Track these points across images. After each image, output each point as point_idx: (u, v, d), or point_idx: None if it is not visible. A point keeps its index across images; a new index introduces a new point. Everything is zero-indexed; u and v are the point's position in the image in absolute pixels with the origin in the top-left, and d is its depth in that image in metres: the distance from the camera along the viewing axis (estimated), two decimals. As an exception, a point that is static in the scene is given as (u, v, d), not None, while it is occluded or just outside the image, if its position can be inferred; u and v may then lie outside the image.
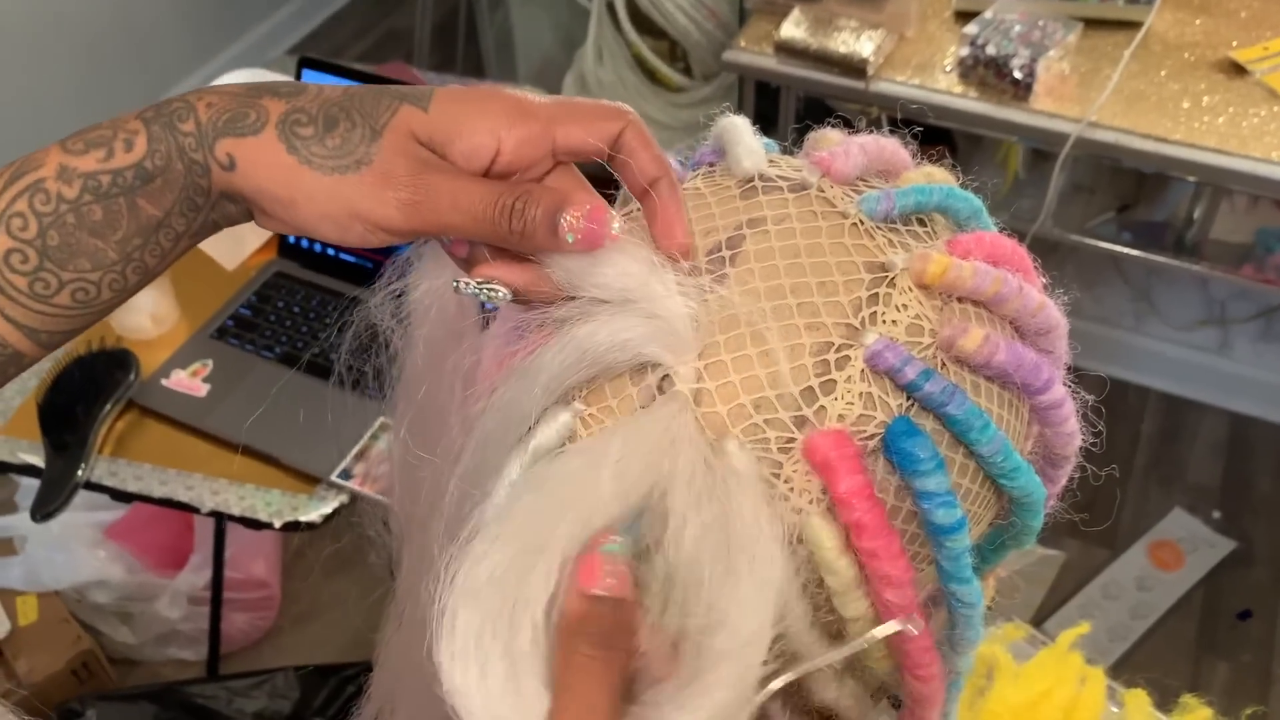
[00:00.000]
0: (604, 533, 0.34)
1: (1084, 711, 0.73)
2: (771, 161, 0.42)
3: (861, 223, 0.40)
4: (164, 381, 1.21)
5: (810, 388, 0.36)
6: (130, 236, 0.38)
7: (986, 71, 1.44)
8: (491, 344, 0.44)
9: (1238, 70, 1.44)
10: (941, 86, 1.47)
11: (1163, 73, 1.46)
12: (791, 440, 0.36)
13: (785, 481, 0.36)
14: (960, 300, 0.39)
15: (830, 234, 0.39)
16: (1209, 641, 1.84)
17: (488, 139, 0.38)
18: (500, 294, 0.39)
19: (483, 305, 0.45)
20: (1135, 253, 1.68)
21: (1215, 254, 1.71)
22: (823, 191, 0.41)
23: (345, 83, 0.45)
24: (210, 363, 1.23)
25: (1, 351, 0.38)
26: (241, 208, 0.40)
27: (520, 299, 0.39)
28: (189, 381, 1.22)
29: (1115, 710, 0.77)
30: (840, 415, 0.36)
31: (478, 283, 0.39)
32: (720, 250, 0.39)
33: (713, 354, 0.37)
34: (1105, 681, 0.74)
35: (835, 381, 0.36)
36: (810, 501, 0.36)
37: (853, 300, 0.38)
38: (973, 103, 1.45)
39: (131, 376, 1.20)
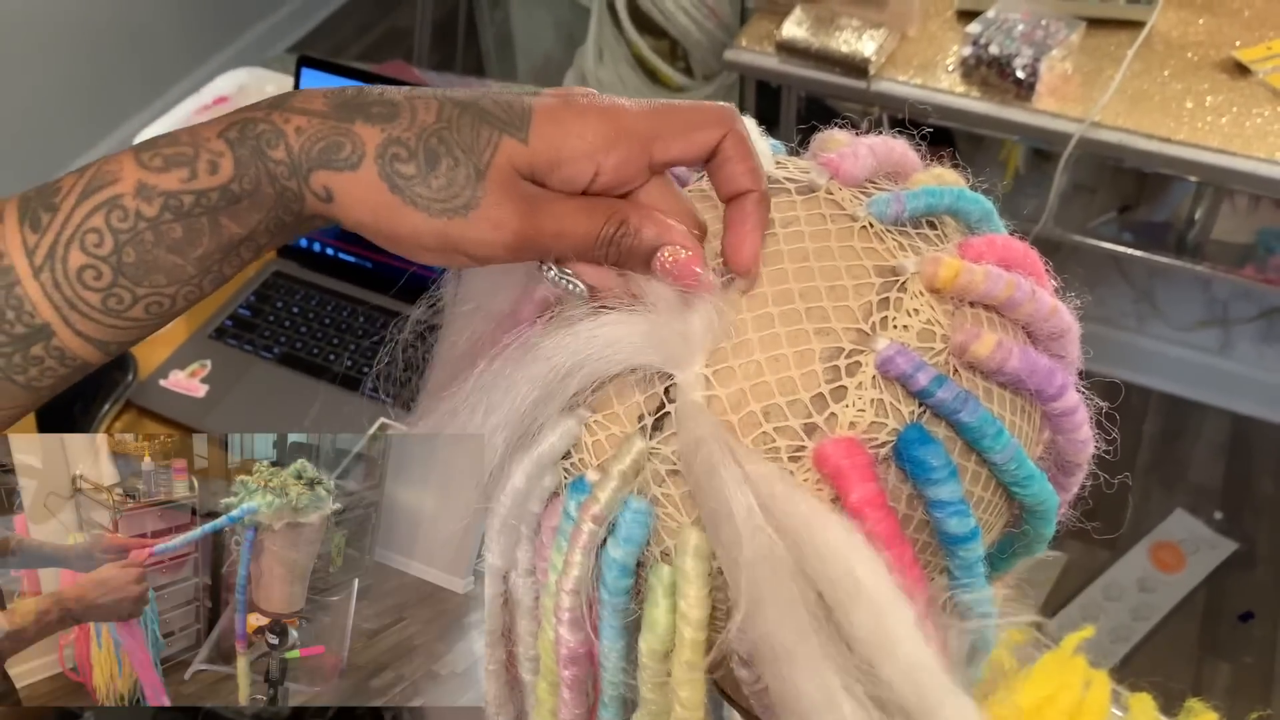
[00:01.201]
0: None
1: (1088, 716, 0.72)
2: (779, 163, 0.42)
3: (871, 225, 0.39)
4: (162, 382, 1.21)
5: (821, 394, 0.36)
6: (211, 253, 0.37)
7: (989, 71, 1.44)
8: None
9: (1241, 70, 1.44)
10: (944, 86, 1.47)
11: (1166, 72, 1.45)
12: (802, 448, 0.35)
13: None
14: (972, 305, 0.38)
15: (839, 237, 0.38)
16: (1211, 643, 1.84)
17: (587, 165, 0.38)
18: (579, 288, 0.39)
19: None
20: (1137, 253, 1.68)
21: (1217, 254, 1.71)
22: (831, 194, 0.40)
23: (345, 82, 0.44)
24: (209, 363, 1.22)
25: (70, 364, 0.38)
26: (327, 223, 0.40)
27: (595, 296, 0.40)
28: (187, 382, 1.21)
29: (1120, 714, 0.76)
30: (852, 422, 0.35)
31: (561, 271, 0.39)
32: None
33: (720, 360, 0.36)
34: (1110, 686, 0.73)
35: (846, 388, 0.36)
36: None
37: (863, 305, 0.37)
38: (975, 102, 1.44)
39: (129, 376, 1.19)
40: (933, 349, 0.37)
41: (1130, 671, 0.76)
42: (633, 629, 0.38)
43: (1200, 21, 1.52)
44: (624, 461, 0.36)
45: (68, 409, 1.17)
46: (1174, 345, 2.13)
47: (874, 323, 0.37)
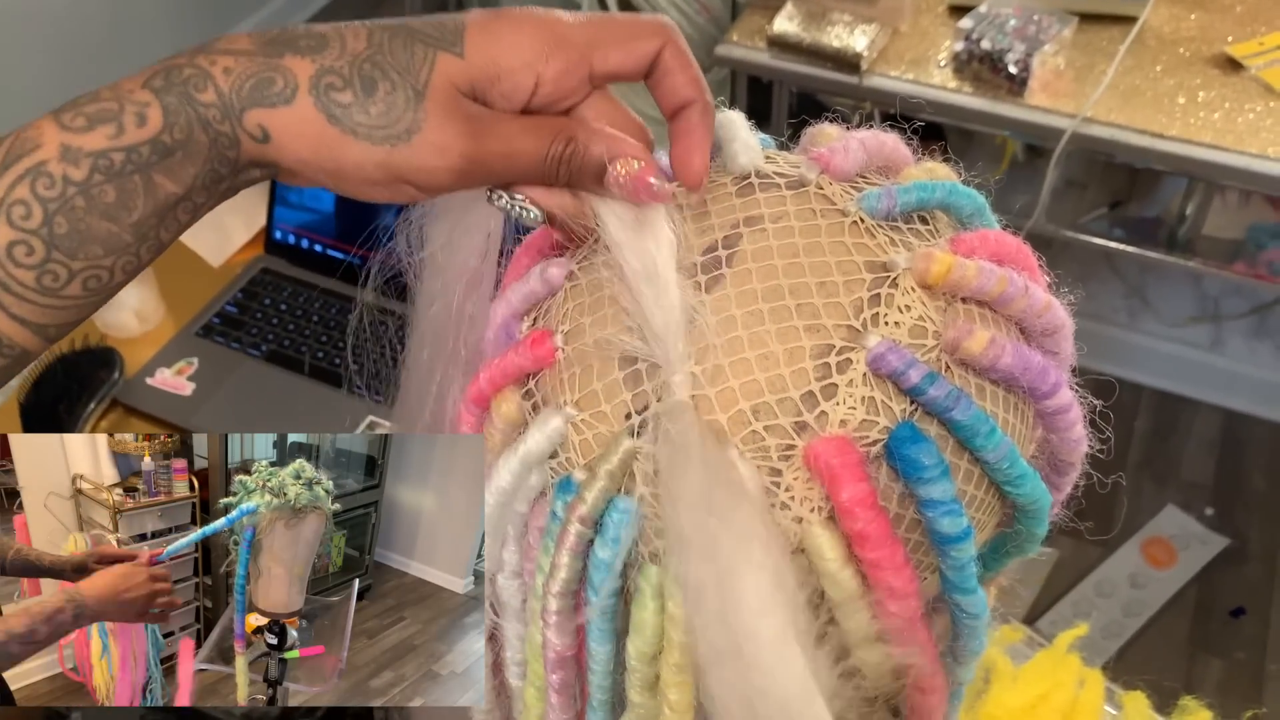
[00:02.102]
0: None
1: (1082, 714, 0.72)
2: (768, 158, 0.41)
3: (862, 221, 0.38)
4: (149, 380, 1.20)
5: (811, 392, 0.35)
6: (147, 216, 0.35)
7: (981, 66, 1.43)
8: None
9: (1233, 65, 1.44)
10: (936, 81, 1.46)
11: (1158, 68, 1.45)
12: (792, 447, 0.35)
13: (786, 490, 0.35)
14: (964, 301, 0.38)
15: (830, 232, 0.38)
16: (1202, 639, 1.84)
17: (527, 76, 0.37)
18: (533, 214, 0.39)
19: (516, 228, 0.45)
20: (1129, 248, 1.68)
21: (1207, 250, 1.71)
22: (822, 189, 0.39)
23: None
24: (195, 361, 1.21)
25: (8, 352, 0.36)
26: (269, 171, 0.38)
27: (553, 225, 0.39)
28: (174, 380, 1.20)
29: (1113, 713, 0.76)
30: (842, 421, 0.35)
31: (511, 196, 0.38)
32: (716, 250, 0.38)
33: (710, 358, 0.36)
34: (1104, 684, 0.73)
35: (837, 385, 0.35)
36: (811, 510, 0.35)
37: (854, 301, 0.36)
38: (967, 98, 1.44)
39: (115, 375, 1.18)
40: (925, 346, 0.36)
41: (1122, 668, 0.75)
42: (621, 631, 0.37)
43: (1192, 17, 1.52)
44: (611, 461, 0.36)
45: (53, 408, 1.16)
46: (1165, 341, 2.13)
47: (865, 319, 0.36)
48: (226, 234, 1.33)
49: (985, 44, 1.42)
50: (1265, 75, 1.41)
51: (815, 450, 0.34)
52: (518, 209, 0.38)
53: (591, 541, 0.36)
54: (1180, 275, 2.03)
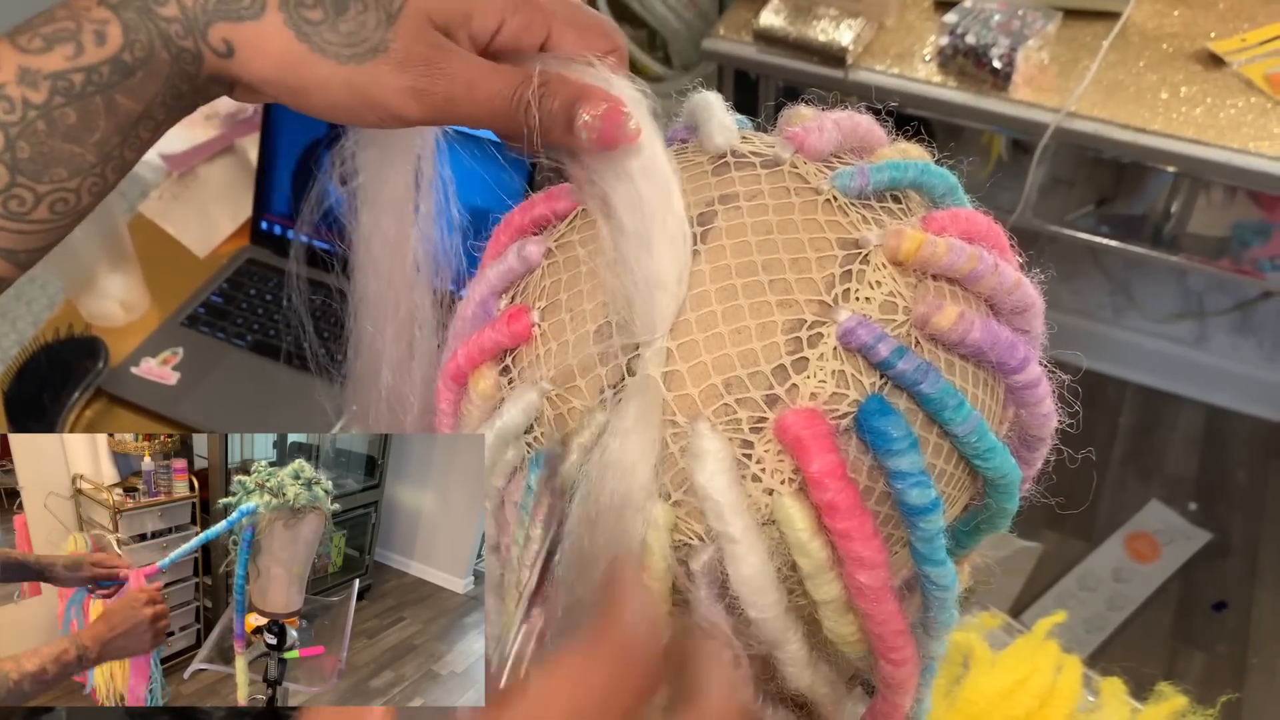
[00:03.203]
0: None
1: (1060, 699, 0.72)
2: (744, 138, 0.41)
3: (835, 199, 0.39)
4: (133, 369, 1.19)
5: (782, 365, 0.35)
6: (109, 136, 0.35)
7: (966, 61, 1.44)
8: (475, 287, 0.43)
9: (1216, 61, 1.45)
10: (921, 76, 1.47)
11: (1141, 63, 1.46)
12: (763, 420, 0.35)
13: (757, 462, 0.35)
14: (935, 277, 0.38)
15: (803, 210, 0.38)
16: (1185, 632, 1.85)
17: (494, 18, 0.38)
18: None
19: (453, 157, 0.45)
20: (1114, 243, 1.69)
21: (1192, 248, 1.72)
22: (796, 167, 0.40)
23: None
24: (181, 351, 1.21)
25: None
26: (226, 89, 0.37)
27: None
28: (159, 369, 1.20)
29: (1091, 699, 0.77)
30: (813, 393, 0.35)
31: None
32: (692, 227, 0.38)
33: (684, 333, 0.36)
34: (1081, 669, 0.74)
35: (808, 359, 0.35)
36: (782, 482, 0.35)
37: (826, 277, 0.37)
38: (952, 92, 1.45)
39: (100, 364, 1.18)
40: (895, 321, 0.37)
41: (1105, 661, 0.76)
42: None
43: (1175, 13, 1.53)
44: (584, 434, 0.36)
45: (37, 397, 1.16)
46: (1150, 337, 2.14)
47: (836, 295, 0.36)
48: (212, 224, 1.33)
49: (970, 39, 1.42)
50: (1247, 71, 1.42)
51: (786, 422, 0.35)
52: None
53: (565, 515, 0.36)
54: (1165, 272, 2.05)
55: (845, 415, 0.35)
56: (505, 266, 0.41)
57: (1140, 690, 0.77)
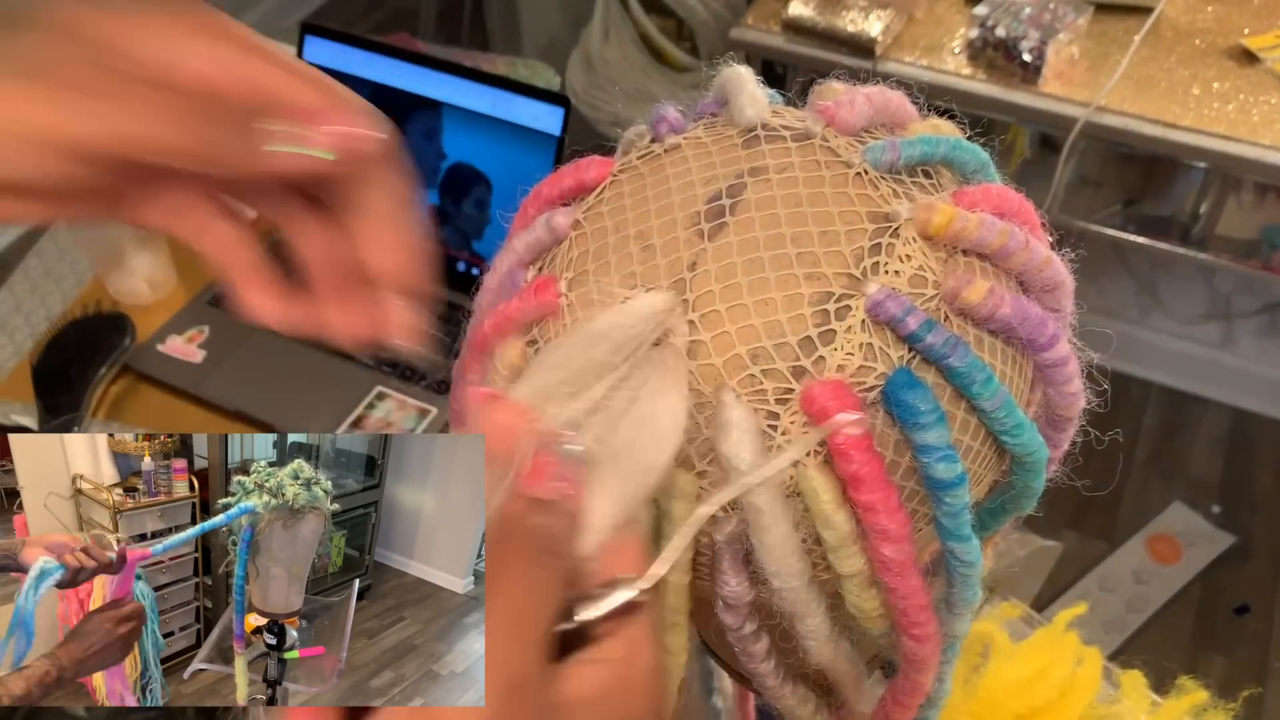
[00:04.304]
0: (563, 431, 0.33)
1: (1079, 691, 0.72)
2: (775, 112, 0.41)
3: (866, 173, 0.38)
4: (159, 347, 1.20)
5: (809, 338, 0.35)
6: None
7: (995, 54, 1.43)
8: (486, 297, 0.43)
9: (1249, 58, 1.43)
10: (950, 68, 1.46)
11: (1173, 58, 1.44)
12: (789, 391, 0.35)
13: (782, 434, 0.35)
14: (965, 253, 0.38)
15: (833, 183, 0.38)
16: (1206, 636, 1.83)
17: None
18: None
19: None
20: (1141, 240, 1.67)
21: (1221, 249, 1.70)
22: (827, 141, 0.39)
23: (350, 51, 0.42)
24: (207, 329, 1.22)
25: None
26: None
27: None
28: (185, 347, 1.21)
29: (1111, 691, 0.76)
30: (839, 366, 0.35)
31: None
32: (720, 199, 0.38)
33: (707, 304, 0.36)
34: (1102, 662, 0.73)
35: (835, 332, 0.35)
36: (808, 454, 0.35)
37: (855, 250, 0.36)
38: (981, 85, 1.44)
39: (127, 341, 1.19)
40: (924, 295, 0.36)
41: (1123, 663, 0.76)
42: None
43: (1209, 9, 1.51)
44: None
45: (64, 372, 1.17)
46: (1176, 339, 2.12)
47: (865, 268, 0.36)
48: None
49: (1000, 31, 1.41)
50: (1281, 68, 1.41)
51: (812, 393, 0.34)
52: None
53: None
54: (1192, 273, 2.03)
55: (873, 388, 0.35)
56: (533, 237, 0.42)
57: (1160, 686, 0.77)
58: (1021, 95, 1.42)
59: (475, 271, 1.21)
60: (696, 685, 0.65)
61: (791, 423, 0.35)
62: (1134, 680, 0.75)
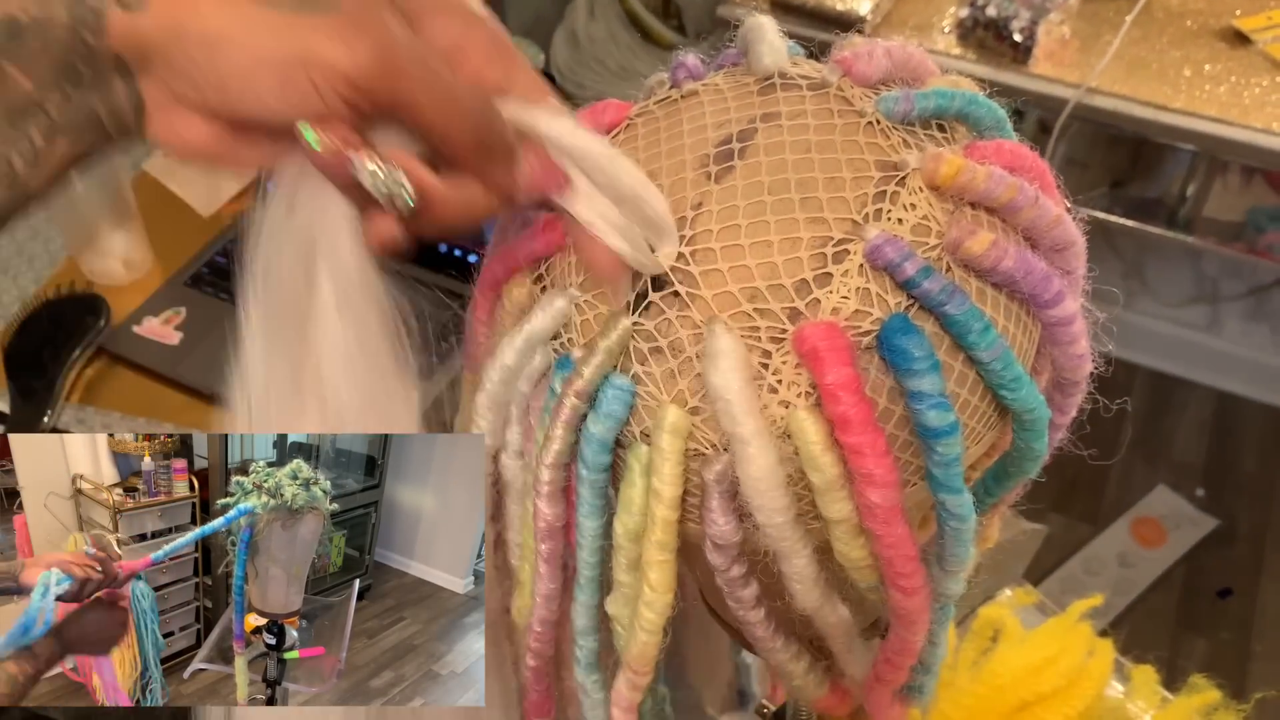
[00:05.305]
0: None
1: (1088, 681, 0.71)
2: (794, 62, 0.41)
3: (878, 122, 0.38)
4: (135, 328, 1.18)
5: (805, 280, 0.35)
6: None
7: (986, 33, 1.42)
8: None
9: (1241, 39, 1.42)
10: (940, 48, 1.45)
11: (1164, 40, 1.43)
12: (783, 332, 0.35)
13: (774, 374, 0.35)
14: (973, 206, 0.37)
15: (844, 131, 0.37)
16: (1189, 618, 1.84)
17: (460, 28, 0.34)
18: (405, 196, 0.32)
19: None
20: (1128, 222, 1.67)
21: (1207, 232, 1.70)
22: (842, 91, 0.39)
23: None
24: (184, 310, 1.20)
25: None
26: (133, 90, 0.30)
27: (420, 219, 0.33)
28: (161, 329, 1.18)
29: (1120, 686, 0.75)
30: (834, 309, 0.35)
31: (388, 170, 0.32)
32: (730, 142, 0.38)
33: (705, 242, 0.36)
34: (1114, 655, 0.72)
35: (831, 275, 0.35)
36: (798, 395, 0.34)
37: (859, 197, 0.36)
38: (971, 65, 1.42)
39: (101, 322, 1.16)
40: (926, 244, 0.36)
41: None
42: (609, 509, 0.38)
43: (1200, -11, 1.50)
44: (610, 338, 0.36)
45: (37, 354, 1.14)
46: (1162, 322, 2.13)
47: (868, 213, 0.36)
48: (217, 184, 1.32)
49: (991, 10, 1.40)
50: (1273, 50, 1.40)
51: (804, 334, 0.34)
52: (389, 182, 0.32)
53: (585, 416, 0.36)
54: (1179, 256, 2.03)
55: (868, 333, 0.35)
56: None
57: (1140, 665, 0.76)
58: (1012, 76, 1.41)
59: (471, 258, 1.19)
60: (728, 644, 0.64)
61: (783, 363, 0.35)
62: (1144, 675, 0.74)
